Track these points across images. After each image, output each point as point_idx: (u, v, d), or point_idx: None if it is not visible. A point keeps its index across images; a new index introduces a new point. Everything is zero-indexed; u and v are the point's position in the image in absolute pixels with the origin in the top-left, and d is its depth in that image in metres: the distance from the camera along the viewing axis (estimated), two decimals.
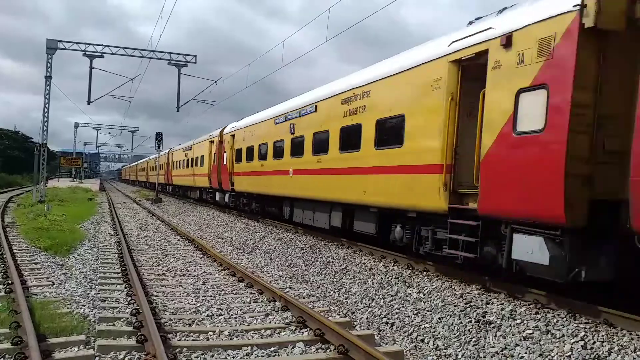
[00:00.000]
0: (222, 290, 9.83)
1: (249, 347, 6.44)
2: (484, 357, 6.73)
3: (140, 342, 6.24)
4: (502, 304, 8.24)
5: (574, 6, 7.13)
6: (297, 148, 17.23)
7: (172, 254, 13.96)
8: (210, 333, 7.02)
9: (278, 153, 19.17)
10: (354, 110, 13.47)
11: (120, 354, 6.01)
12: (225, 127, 28.42)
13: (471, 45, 9.17)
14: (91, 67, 32.22)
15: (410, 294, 9.54)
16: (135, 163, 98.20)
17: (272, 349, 6.46)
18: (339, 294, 10.44)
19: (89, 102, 34.00)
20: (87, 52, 31.80)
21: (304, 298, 9.52)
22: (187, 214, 29.17)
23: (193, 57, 34.01)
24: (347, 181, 13.73)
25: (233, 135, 26.01)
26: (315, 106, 16.11)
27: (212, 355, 6.18)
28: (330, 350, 6.42)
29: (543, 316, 7.49)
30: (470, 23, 10.01)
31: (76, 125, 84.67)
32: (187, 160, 38.41)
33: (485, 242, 8.84)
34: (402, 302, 9.23)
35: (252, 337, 6.97)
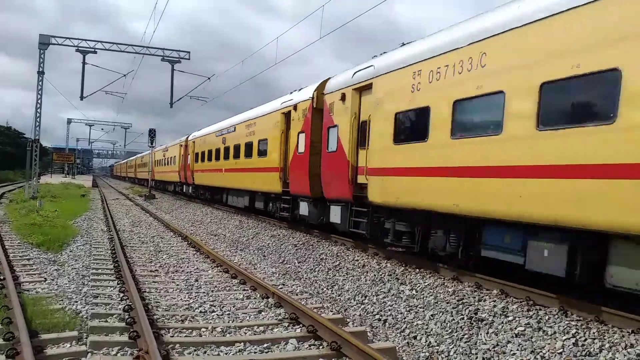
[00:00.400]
0: (215, 286, 9.82)
1: (242, 344, 6.44)
2: (476, 353, 6.76)
3: (132, 338, 6.23)
4: (494, 301, 8.28)
5: (309, 97, 16.06)
6: (226, 154, 26.07)
7: (165, 251, 13.94)
8: (203, 329, 7.02)
9: (217, 157, 27.95)
10: (250, 133, 22.21)
11: (112, 350, 6.00)
12: (189, 135, 36.69)
13: (287, 107, 17.92)
14: (84, 63, 32.01)
15: (403, 291, 9.56)
16: (125, 160, 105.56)
17: (265, 345, 6.46)
18: (332, 290, 10.45)
19: (81, 98, 33.79)
20: (79, 48, 31.59)
21: (297, 295, 9.53)
22: (180, 211, 29.11)
23: (186, 54, 33.86)
24: (247, 177, 22.26)
25: (194, 142, 34.65)
26: (235, 127, 25.09)
27: (205, 352, 6.17)
28: (323, 347, 6.44)
29: (535, 313, 7.54)
30: (291, 92, 18.44)
31: (69, 121, 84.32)
32: (165, 159, 46.67)
33: (294, 207, 17.50)
34: (395, 299, 9.26)
35: (245, 333, 6.97)
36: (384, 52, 12.71)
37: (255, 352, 6.23)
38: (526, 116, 7.81)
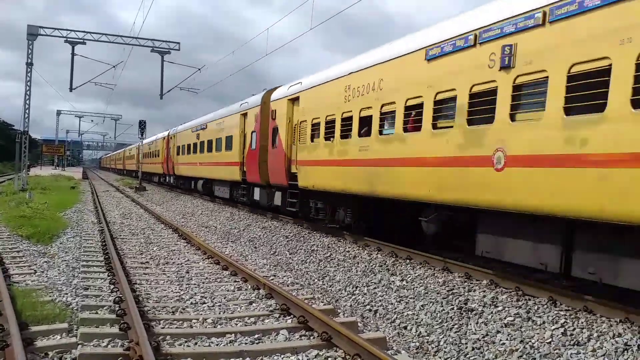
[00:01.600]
0: (206, 278, 9.81)
1: (233, 335, 6.44)
2: (466, 343, 6.80)
3: (123, 330, 6.21)
4: (484, 291, 8.33)
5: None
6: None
7: (156, 243, 13.90)
8: (194, 321, 7.01)
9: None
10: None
11: (103, 342, 5.98)
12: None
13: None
14: (73, 54, 31.79)
15: (393, 281, 9.60)
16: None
17: (256, 336, 6.46)
18: (323, 281, 10.48)
19: (71, 89, 33.63)
20: (68, 39, 31.34)
21: (288, 286, 9.54)
22: (171, 203, 29.04)
23: (176, 44, 33.69)
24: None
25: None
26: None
27: (196, 343, 6.17)
28: (314, 337, 6.45)
29: (524, 303, 7.59)
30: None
31: (58, 113, 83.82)
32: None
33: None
34: (386, 289, 9.30)
35: (236, 324, 6.96)
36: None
37: (246, 343, 6.23)
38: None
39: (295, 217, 17.28)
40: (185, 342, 6.18)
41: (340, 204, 14.19)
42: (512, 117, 7.90)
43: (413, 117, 10.47)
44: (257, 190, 20.56)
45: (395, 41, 11.90)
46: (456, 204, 9.36)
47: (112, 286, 8.62)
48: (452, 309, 7.85)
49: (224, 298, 8.33)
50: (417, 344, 7.14)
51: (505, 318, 7.20)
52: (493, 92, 8.26)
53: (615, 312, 6.87)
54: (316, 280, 10.64)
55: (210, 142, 27.47)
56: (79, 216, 19.40)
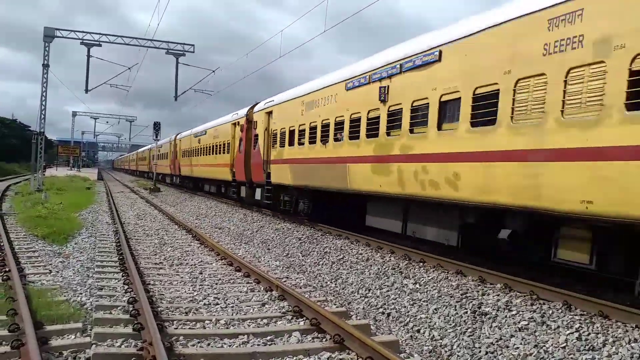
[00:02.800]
0: (219, 279, 9.85)
1: (245, 336, 6.46)
2: (479, 347, 6.76)
3: (136, 330, 6.26)
4: (498, 295, 8.28)
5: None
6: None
7: (170, 243, 13.98)
8: (206, 322, 7.04)
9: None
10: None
11: (116, 342, 6.03)
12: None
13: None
14: (89, 56, 32.05)
15: (406, 284, 9.57)
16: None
17: (268, 337, 6.48)
18: (335, 284, 10.47)
19: (86, 90, 33.87)
20: (84, 41, 31.59)
21: (300, 288, 9.55)
22: (184, 204, 29.20)
23: (191, 47, 33.82)
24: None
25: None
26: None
27: (209, 344, 6.20)
28: (326, 340, 6.45)
29: (538, 307, 7.54)
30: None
31: (74, 114, 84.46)
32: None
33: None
34: (399, 292, 9.27)
35: (249, 326, 6.99)
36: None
37: (258, 345, 6.25)
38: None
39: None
40: (198, 342, 6.21)
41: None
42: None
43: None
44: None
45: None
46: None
47: (126, 286, 8.68)
48: (466, 312, 7.81)
49: (237, 299, 8.36)
50: (430, 347, 7.11)
51: (519, 322, 7.15)
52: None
53: (631, 317, 6.80)
54: (329, 282, 10.64)
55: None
56: (94, 217, 19.56)
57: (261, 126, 21.17)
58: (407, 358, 6.04)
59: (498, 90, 8.56)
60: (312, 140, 15.93)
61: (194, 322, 7.00)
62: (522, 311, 7.48)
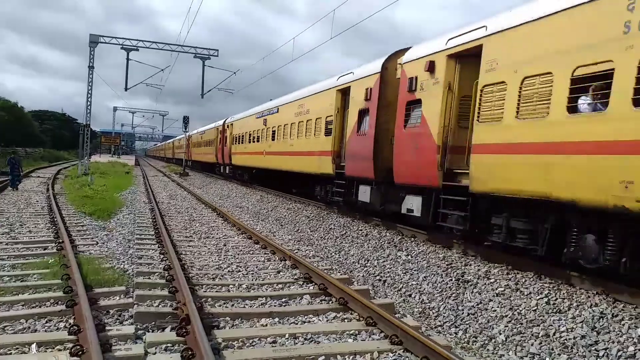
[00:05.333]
0: (241, 250, 9.90)
1: (264, 298, 6.52)
2: (462, 309, 6.81)
3: (172, 293, 6.32)
4: (479, 265, 8.30)
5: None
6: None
7: (198, 220, 14.03)
8: (231, 286, 7.10)
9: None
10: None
11: (155, 302, 6.10)
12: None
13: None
14: (128, 59, 31.95)
15: (400, 256, 9.60)
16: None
17: (283, 300, 6.54)
18: (339, 255, 10.51)
19: (126, 89, 33.85)
20: (124, 46, 31.54)
21: (310, 258, 9.59)
22: (209, 187, 29.23)
23: (215, 51, 33.64)
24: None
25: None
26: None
27: (233, 304, 6.26)
28: (332, 302, 6.50)
29: (513, 276, 7.55)
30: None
31: (115, 109, 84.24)
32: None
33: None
34: (393, 263, 9.31)
35: (267, 290, 7.04)
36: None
37: (274, 305, 6.31)
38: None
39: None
40: (224, 303, 6.28)
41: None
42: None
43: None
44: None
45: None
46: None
47: (161, 256, 8.75)
48: (451, 280, 7.84)
49: (256, 267, 8.41)
50: (420, 309, 7.15)
51: (496, 289, 7.17)
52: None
53: (592, 284, 6.82)
54: (333, 253, 10.68)
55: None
56: (132, 197, 19.63)
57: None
58: (401, 318, 6.07)
59: None
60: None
61: (220, 286, 7.06)
62: (499, 279, 7.50)
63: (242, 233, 11.85)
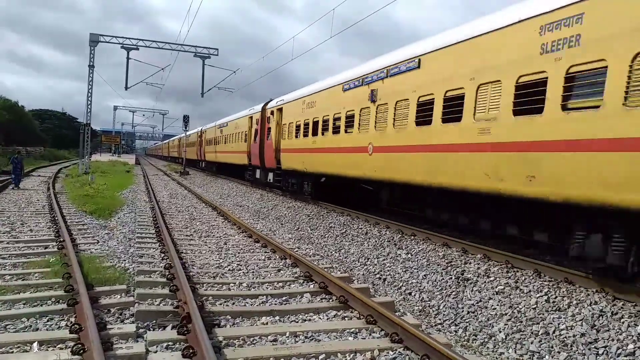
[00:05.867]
0: (241, 249, 9.90)
1: (264, 297, 6.52)
2: (462, 308, 6.81)
3: (172, 291, 6.32)
4: (478, 264, 8.31)
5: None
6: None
7: (198, 219, 14.03)
8: (231, 284, 7.10)
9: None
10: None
11: (156, 301, 6.09)
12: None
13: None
14: (128, 58, 31.98)
15: (400, 254, 9.61)
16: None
17: (284, 298, 6.54)
18: (339, 253, 10.52)
19: (126, 88, 33.87)
20: (124, 45, 31.53)
21: (310, 257, 9.59)
22: (210, 185, 29.24)
23: (215, 50, 33.68)
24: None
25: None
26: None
27: (233, 303, 6.26)
28: (333, 300, 6.50)
29: (513, 274, 7.56)
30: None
31: (115, 108, 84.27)
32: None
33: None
34: (393, 261, 9.31)
35: (267, 288, 7.05)
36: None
37: (275, 304, 6.31)
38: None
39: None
40: (225, 302, 6.28)
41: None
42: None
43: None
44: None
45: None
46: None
47: (162, 254, 8.75)
48: (451, 278, 7.85)
49: (256, 266, 8.41)
50: (420, 307, 7.16)
51: (496, 287, 7.18)
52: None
53: (592, 283, 6.82)
54: (333, 252, 10.68)
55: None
56: (133, 195, 19.64)
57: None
58: (401, 316, 6.08)
59: None
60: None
61: (220, 285, 7.06)
62: (499, 277, 7.51)
63: (243, 232, 11.85)
